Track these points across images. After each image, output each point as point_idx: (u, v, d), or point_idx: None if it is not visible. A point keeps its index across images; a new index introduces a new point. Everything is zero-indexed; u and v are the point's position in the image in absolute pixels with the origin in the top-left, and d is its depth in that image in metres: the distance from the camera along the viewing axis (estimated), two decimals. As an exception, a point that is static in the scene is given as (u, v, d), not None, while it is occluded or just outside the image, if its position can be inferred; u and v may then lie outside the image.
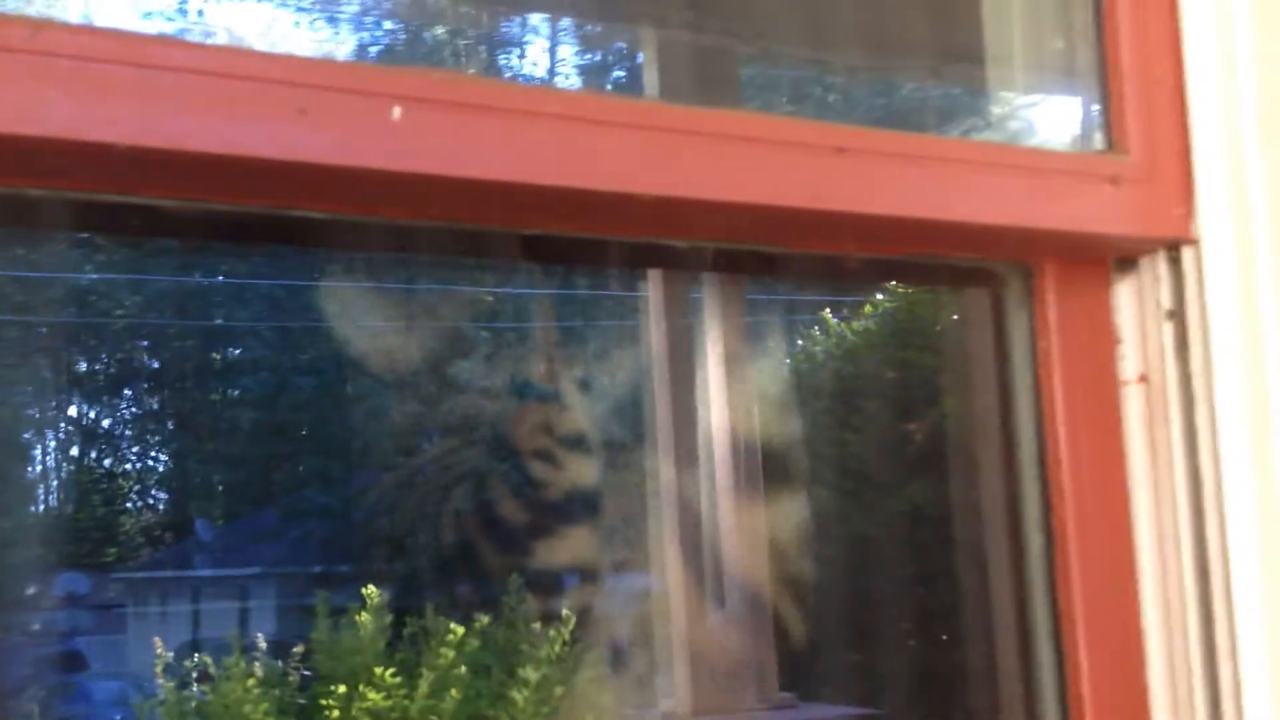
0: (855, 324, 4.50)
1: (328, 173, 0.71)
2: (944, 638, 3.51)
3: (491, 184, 0.75)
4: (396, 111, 0.71)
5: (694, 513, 3.34)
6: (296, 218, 0.81)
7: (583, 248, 0.90)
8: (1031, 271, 1.00)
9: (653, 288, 3.58)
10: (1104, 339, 1.02)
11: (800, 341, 4.84)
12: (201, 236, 0.82)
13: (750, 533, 3.33)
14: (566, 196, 0.79)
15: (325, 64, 0.70)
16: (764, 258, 0.94)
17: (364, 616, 5.00)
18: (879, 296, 4.34)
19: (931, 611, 3.63)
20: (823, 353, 4.62)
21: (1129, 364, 1.03)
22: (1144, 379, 1.03)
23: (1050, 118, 1.12)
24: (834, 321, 4.72)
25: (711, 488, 3.40)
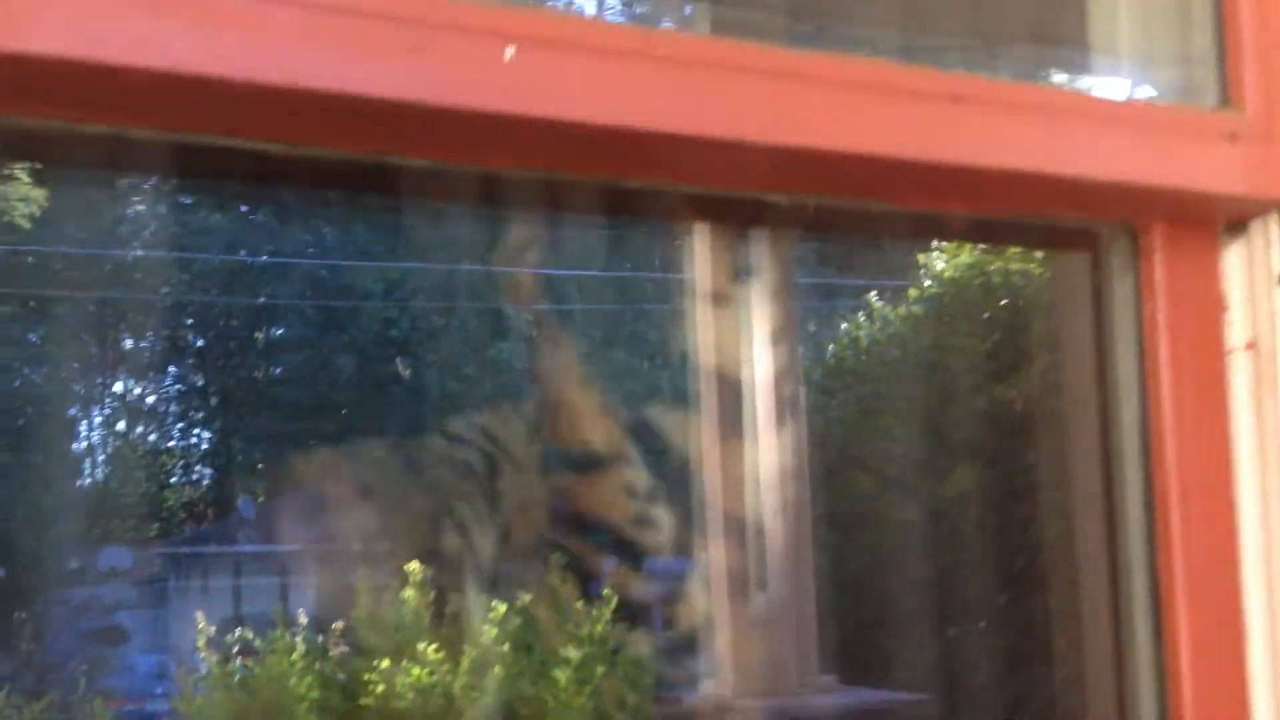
0: (920, 294, 4.44)
1: (438, 114, 0.69)
2: (1019, 621, 3.43)
3: (601, 128, 0.73)
4: (510, 52, 0.69)
5: (737, 495, 3.32)
6: (394, 165, 0.80)
7: (682, 202, 0.88)
8: (1138, 233, 0.97)
9: (699, 267, 3.55)
10: (1211, 304, 0.99)
11: (861, 314, 4.78)
12: (302, 184, 0.81)
13: (795, 515, 3.30)
14: (674, 143, 0.76)
15: (440, 1, 0.68)
16: (865, 216, 0.91)
17: (408, 593, 5.04)
18: (940, 274, 4.29)
19: (1005, 595, 3.56)
20: (881, 326, 4.57)
21: (1236, 330, 1.00)
22: (1252, 346, 0.99)
23: (1164, 74, 1.08)
24: (879, 305, 4.66)
25: (755, 468, 3.38)
